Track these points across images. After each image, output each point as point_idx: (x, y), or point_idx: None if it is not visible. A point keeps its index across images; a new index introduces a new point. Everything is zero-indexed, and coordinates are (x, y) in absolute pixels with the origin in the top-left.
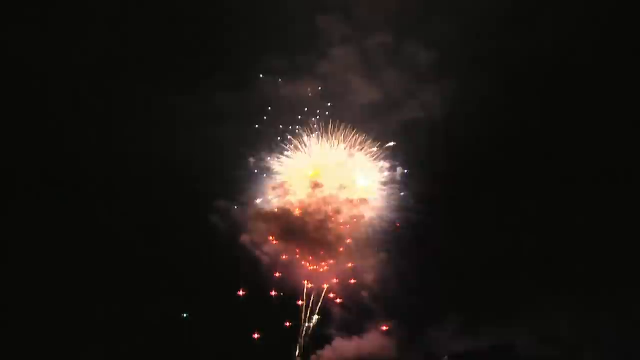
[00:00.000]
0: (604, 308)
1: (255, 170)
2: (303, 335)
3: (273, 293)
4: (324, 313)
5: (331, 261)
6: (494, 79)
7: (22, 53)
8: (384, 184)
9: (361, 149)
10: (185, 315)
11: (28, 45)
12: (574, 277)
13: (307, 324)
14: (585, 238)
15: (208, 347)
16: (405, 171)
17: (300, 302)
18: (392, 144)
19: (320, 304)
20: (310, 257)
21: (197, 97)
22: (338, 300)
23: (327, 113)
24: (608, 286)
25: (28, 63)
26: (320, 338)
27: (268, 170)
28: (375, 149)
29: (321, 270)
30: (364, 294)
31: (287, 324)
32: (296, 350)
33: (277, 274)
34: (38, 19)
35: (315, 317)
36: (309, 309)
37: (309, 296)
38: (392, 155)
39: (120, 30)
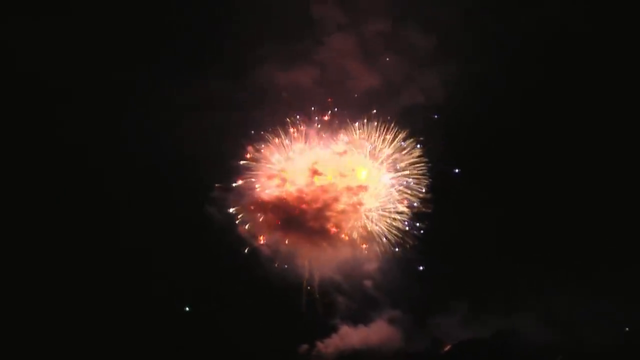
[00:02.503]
0: (607, 290)
1: (254, 161)
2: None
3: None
4: (329, 303)
5: (331, 249)
6: (494, 62)
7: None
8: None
9: (361, 137)
10: (187, 308)
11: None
12: (578, 261)
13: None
14: (588, 222)
15: (211, 338)
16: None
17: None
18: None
19: (321, 287)
20: (310, 246)
21: (193, 86)
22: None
23: (325, 100)
24: (611, 269)
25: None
26: (326, 327)
27: (265, 159)
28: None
29: (321, 258)
30: (367, 283)
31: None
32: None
33: (277, 264)
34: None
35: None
36: (311, 292)
37: (309, 282)
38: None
39: (114, 19)
